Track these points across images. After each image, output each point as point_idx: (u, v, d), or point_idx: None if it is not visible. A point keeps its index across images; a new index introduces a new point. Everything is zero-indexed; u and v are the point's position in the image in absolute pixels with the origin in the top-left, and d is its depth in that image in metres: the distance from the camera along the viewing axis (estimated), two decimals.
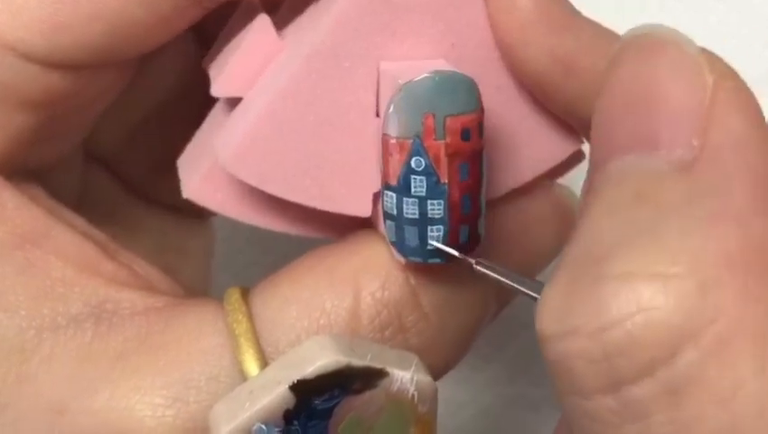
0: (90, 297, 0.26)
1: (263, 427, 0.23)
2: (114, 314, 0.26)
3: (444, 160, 0.24)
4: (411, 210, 0.24)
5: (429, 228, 0.24)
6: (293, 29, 0.27)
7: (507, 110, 0.26)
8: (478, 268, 0.25)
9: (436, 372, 0.26)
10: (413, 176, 0.24)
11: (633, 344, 0.19)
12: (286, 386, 0.23)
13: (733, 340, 0.19)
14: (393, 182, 0.24)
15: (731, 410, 0.19)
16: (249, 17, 0.27)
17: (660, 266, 0.19)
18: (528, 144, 0.27)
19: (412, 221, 0.24)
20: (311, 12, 0.27)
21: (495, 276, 0.24)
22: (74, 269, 0.26)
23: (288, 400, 0.23)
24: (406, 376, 0.24)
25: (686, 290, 0.19)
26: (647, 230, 0.20)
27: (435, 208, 0.24)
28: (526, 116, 0.26)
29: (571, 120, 0.26)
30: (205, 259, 0.35)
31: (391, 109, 0.24)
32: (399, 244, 0.25)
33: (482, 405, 0.42)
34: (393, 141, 0.24)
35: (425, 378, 0.24)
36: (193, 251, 0.34)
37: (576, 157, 0.28)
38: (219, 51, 0.28)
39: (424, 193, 0.24)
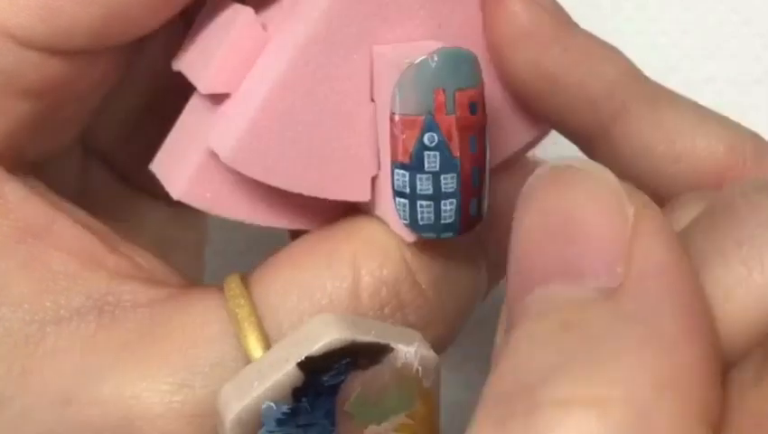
0: (92, 290, 0.26)
1: (272, 405, 0.23)
2: (116, 306, 0.26)
3: (455, 134, 0.24)
4: (425, 186, 0.24)
5: (442, 202, 0.24)
6: (273, 16, 0.27)
7: (489, 88, 0.26)
8: None
9: (435, 349, 0.26)
10: (426, 152, 0.24)
11: None
12: (294, 364, 0.23)
13: None
14: (405, 159, 0.24)
15: None
16: (221, 12, 0.27)
17: (595, 390, 0.19)
18: (509, 120, 0.27)
19: (426, 197, 0.24)
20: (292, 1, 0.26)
21: None
22: (76, 262, 0.26)
23: (296, 377, 0.23)
24: (410, 351, 0.24)
25: (624, 415, 0.19)
26: (578, 356, 0.19)
27: (449, 182, 0.24)
28: (506, 94, 0.27)
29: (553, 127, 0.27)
30: (199, 250, 0.35)
31: (400, 88, 0.24)
32: (413, 222, 0.25)
33: None
34: (403, 119, 0.24)
35: (428, 353, 0.24)
36: (188, 242, 0.34)
37: (546, 131, 0.29)
38: (193, 49, 0.27)
39: (437, 168, 0.24)
